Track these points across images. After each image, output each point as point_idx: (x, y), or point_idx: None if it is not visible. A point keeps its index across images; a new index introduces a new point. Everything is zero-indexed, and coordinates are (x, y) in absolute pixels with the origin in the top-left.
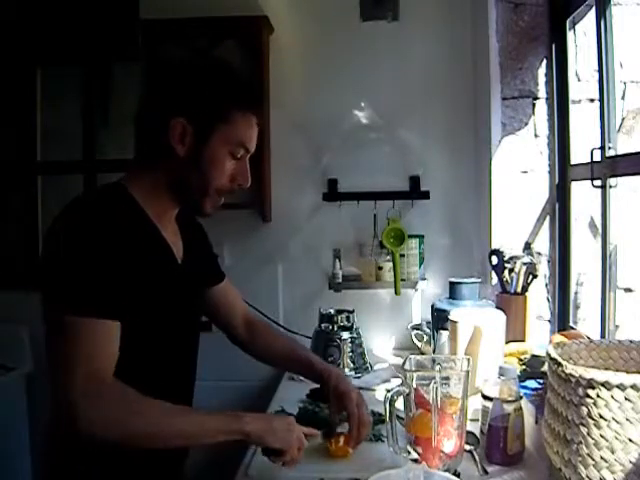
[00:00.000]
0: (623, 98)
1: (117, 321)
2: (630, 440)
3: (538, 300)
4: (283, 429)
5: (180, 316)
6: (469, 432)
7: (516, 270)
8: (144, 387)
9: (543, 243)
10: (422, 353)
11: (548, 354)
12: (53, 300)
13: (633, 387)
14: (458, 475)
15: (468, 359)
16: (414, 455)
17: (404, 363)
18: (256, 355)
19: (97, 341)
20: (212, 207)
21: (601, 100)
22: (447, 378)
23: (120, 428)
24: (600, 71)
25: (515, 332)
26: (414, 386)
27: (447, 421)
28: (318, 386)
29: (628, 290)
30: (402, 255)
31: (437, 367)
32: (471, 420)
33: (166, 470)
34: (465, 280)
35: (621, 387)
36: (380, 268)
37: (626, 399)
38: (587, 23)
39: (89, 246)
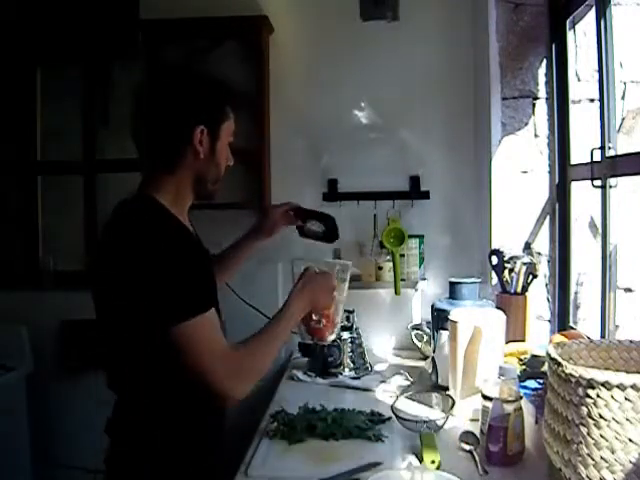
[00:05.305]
0: (623, 98)
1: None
2: (630, 440)
3: (538, 300)
4: (322, 293)
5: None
6: (469, 432)
7: (516, 270)
8: None
9: (543, 243)
10: (422, 353)
11: (548, 354)
12: (152, 316)
13: (633, 387)
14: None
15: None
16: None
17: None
18: None
19: (211, 329)
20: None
21: (601, 100)
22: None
23: (256, 377)
24: (600, 71)
25: (515, 332)
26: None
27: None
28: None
29: (628, 290)
30: (402, 255)
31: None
32: (471, 420)
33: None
34: (465, 280)
35: (621, 387)
36: (380, 268)
37: (626, 399)
38: (587, 23)
39: (163, 262)
